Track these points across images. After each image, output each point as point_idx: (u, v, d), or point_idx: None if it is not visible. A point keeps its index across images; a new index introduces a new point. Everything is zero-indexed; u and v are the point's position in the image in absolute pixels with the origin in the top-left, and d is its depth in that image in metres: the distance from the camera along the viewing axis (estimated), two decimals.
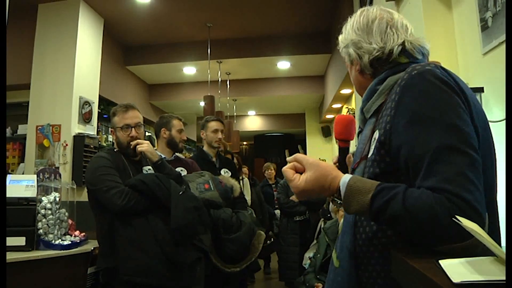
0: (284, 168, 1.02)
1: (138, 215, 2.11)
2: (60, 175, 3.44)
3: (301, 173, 0.98)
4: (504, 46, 1.90)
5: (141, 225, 2.10)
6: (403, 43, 1.05)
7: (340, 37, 1.17)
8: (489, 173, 0.91)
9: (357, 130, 1.21)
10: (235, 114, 10.10)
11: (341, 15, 5.43)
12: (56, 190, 2.86)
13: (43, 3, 5.28)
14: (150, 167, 2.37)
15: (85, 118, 5.27)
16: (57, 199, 2.75)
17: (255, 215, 4.34)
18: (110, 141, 6.35)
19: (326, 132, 9.67)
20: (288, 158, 1.03)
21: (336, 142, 1.25)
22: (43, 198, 2.68)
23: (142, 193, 2.12)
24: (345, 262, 1.03)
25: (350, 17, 1.17)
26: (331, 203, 4.09)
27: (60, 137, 4.95)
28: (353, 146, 1.23)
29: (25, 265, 2.38)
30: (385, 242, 0.94)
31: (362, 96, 1.17)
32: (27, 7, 5.17)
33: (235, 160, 4.64)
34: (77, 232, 2.82)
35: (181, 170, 2.76)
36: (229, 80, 8.10)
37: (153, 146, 2.53)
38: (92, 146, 5.16)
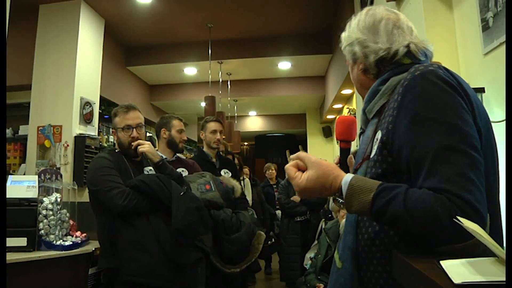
0: (287, 166, 1.02)
1: (140, 216, 2.12)
2: (61, 176, 3.44)
3: (303, 172, 0.98)
4: (505, 46, 1.89)
5: (142, 226, 2.10)
6: (408, 45, 1.05)
7: (343, 35, 1.16)
8: (491, 174, 0.91)
9: (358, 131, 1.21)
10: (236, 114, 10.10)
11: (342, 16, 5.43)
12: (57, 190, 2.87)
13: (44, 3, 5.28)
14: (151, 167, 2.37)
15: (86, 119, 5.27)
16: (58, 199, 2.75)
17: (256, 215, 4.34)
18: (111, 142, 6.35)
19: (327, 132, 9.66)
20: (291, 156, 1.03)
21: (337, 143, 1.25)
22: (44, 199, 2.69)
23: (144, 194, 2.12)
24: (347, 263, 1.03)
25: (354, 15, 1.17)
26: (331, 203, 4.09)
27: (61, 137, 4.95)
28: (354, 147, 1.23)
29: (27, 266, 2.39)
30: (388, 242, 0.94)
31: (362, 95, 1.17)
32: (28, 8, 5.17)
33: (236, 161, 4.64)
34: (78, 233, 2.82)
35: (182, 170, 2.76)
36: (230, 81, 8.10)
37: (154, 146, 2.54)
38: (93, 147, 5.16)
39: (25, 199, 2.59)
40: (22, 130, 5.45)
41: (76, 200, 3.03)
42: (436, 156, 0.83)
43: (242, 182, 4.36)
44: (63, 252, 2.58)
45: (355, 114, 5.88)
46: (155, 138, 3.00)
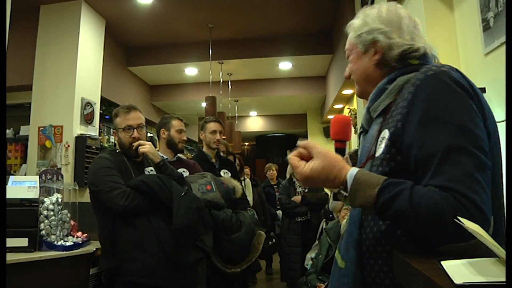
0: (290, 156, 1.01)
1: (140, 216, 2.12)
2: (62, 176, 3.44)
3: (306, 162, 0.98)
4: (505, 46, 1.89)
5: (143, 226, 2.10)
6: (425, 46, 1.07)
7: (357, 22, 1.14)
8: (497, 177, 0.91)
9: (358, 130, 1.20)
10: (236, 114, 10.10)
11: (342, 16, 5.43)
12: (58, 191, 2.87)
13: (45, 4, 5.29)
14: (152, 168, 2.37)
15: (87, 119, 5.27)
16: (59, 200, 2.75)
17: (257, 215, 4.34)
18: (112, 142, 6.35)
19: (327, 132, 9.66)
20: (299, 143, 1.02)
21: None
22: (45, 199, 2.69)
23: (144, 194, 2.13)
24: (351, 263, 1.02)
25: (367, 7, 1.16)
26: (331, 204, 4.10)
27: (62, 138, 4.96)
28: (353, 146, 1.23)
29: (28, 266, 2.39)
30: (395, 242, 0.94)
31: (360, 89, 1.17)
32: (28, 8, 5.18)
33: (237, 161, 4.65)
34: (79, 233, 2.82)
35: (183, 171, 2.76)
36: (231, 81, 8.10)
37: (155, 147, 2.54)
38: (94, 147, 5.16)
39: (26, 200, 2.59)
40: (23, 131, 5.46)
41: (77, 200, 3.03)
42: (444, 155, 0.84)
43: (243, 182, 4.36)
44: (64, 252, 2.58)
45: (355, 114, 5.88)
46: (156, 138, 3.00)
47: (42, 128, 4.99)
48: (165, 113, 7.80)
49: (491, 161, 0.86)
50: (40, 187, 2.69)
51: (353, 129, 5.58)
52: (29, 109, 5.16)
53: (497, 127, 0.96)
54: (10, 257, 2.27)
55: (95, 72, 5.63)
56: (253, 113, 11.49)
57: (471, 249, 0.76)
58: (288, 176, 4.88)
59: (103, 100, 5.99)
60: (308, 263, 4.04)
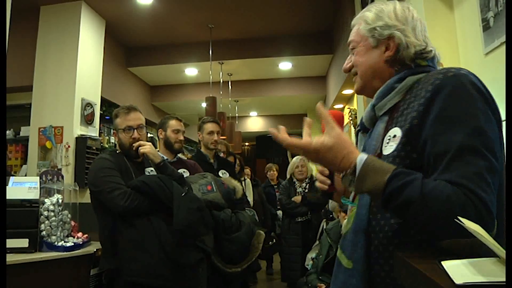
0: (305, 126, 0.99)
1: (141, 217, 2.12)
2: (62, 177, 3.44)
3: None
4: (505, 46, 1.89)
5: (143, 227, 2.10)
6: (433, 49, 1.09)
7: (371, 15, 1.12)
8: (501, 181, 0.92)
9: (356, 128, 1.20)
10: (237, 115, 10.10)
11: (342, 16, 5.43)
12: (58, 192, 2.87)
13: (45, 4, 5.29)
14: (152, 168, 2.37)
15: (87, 120, 5.27)
16: (60, 200, 2.75)
17: (257, 216, 4.34)
18: (112, 143, 6.35)
19: None
20: (320, 107, 0.98)
21: None
22: (45, 200, 2.69)
23: (145, 195, 2.13)
24: (359, 263, 1.00)
25: (379, 3, 1.16)
26: (331, 204, 4.10)
27: (63, 138, 4.96)
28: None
29: (28, 267, 2.39)
30: (408, 241, 0.93)
31: (365, 84, 1.15)
32: (29, 9, 5.18)
33: (237, 161, 4.65)
34: (79, 234, 2.82)
35: (184, 171, 2.76)
36: (231, 81, 8.10)
37: (155, 147, 2.54)
38: (94, 148, 5.16)
39: (26, 200, 2.59)
40: (23, 131, 5.46)
41: (77, 201, 3.03)
42: (457, 153, 0.85)
43: (243, 182, 4.36)
44: (65, 253, 2.58)
45: (355, 114, 5.87)
46: (156, 139, 3.00)
47: (42, 129, 4.99)
48: (165, 114, 7.81)
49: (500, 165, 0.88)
50: (40, 188, 2.69)
51: (353, 129, 5.57)
52: (29, 110, 5.16)
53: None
54: (11, 258, 2.27)
55: (95, 72, 5.63)
56: (253, 113, 11.49)
57: (476, 244, 0.76)
58: (288, 176, 4.88)
59: (103, 101, 6.00)
60: (308, 263, 4.04)
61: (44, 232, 2.60)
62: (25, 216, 2.55)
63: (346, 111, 7.27)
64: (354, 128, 5.42)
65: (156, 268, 2.05)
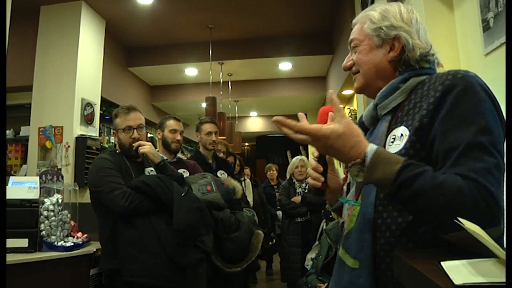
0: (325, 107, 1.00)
1: (141, 217, 2.12)
2: (62, 177, 3.44)
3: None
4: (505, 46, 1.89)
5: (144, 226, 2.10)
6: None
7: (376, 14, 1.12)
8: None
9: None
10: (236, 115, 10.10)
11: (342, 16, 5.43)
12: (58, 191, 2.88)
13: (45, 4, 5.29)
14: (152, 168, 2.38)
15: (87, 120, 5.27)
16: (60, 200, 2.76)
17: (257, 216, 4.34)
18: (112, 143, 6.35)
19: None
20: (329, 94, 0.96)
21: None
22: (45, 200, 2.69)
23: (145, 195, 2.13)
24: (367, 263, 0.99)
25: (382, 3, 1.17)
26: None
27: (62, 138, 4.96)
28: None
29: (28, 267, 2.39)
30: (416, 240, 0.94)
31: (366, 82, 1.15)
32: (29, 9, 5.18)
33: (237, 162, 4.65)
34: (79, 234, 2.82)
35: (183, 171, 2.76)
36: (231, 81, 8.10)
37: (155, 147, 2.54)
38: (94, 148, 5.16)
39: (26, 200, 2.59)
40: (23, 131, 5.46)
41: (77, 201, 3.03)
42: (466, 149, 0.87)
43: (243, 183, 4.35)
44: (65, 253, 2.58)
45: (355, 114, 5.88)
46: (156, 139, 3.00)
47: (42, 129, 4.99)
48: (165, 114, 7.80)
49: None
50: (40, 188, 2.70)
51: None
52: (29, 110, 5.16)
53: None
54: (10, 258, 2.27)
55: (96, 72, 5.63)
56: (253, 113, 11.49)
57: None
58: (288, 177, 4.88)
59: (103, 101, 5.99)
60: (308, 263, 4.04)
61: (43, 232, 2.60)
62: (24, 216, 2.55)
63: (346, 111, 7.27)
64: None
65: (156, 268, 2.05)
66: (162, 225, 2.12)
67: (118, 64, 7.02)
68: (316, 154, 1.12)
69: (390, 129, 1.05)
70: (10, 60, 3.30)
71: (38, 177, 2.85)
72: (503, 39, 1.91)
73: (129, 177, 2.23)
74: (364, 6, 4.05)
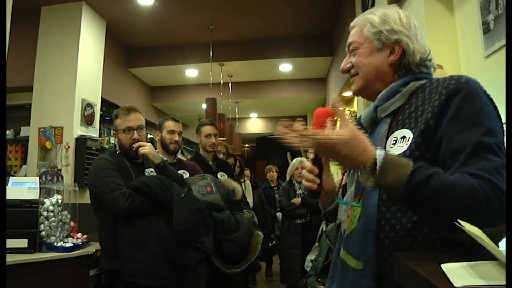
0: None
1: (141, 217, 2.12)
2: (62, 178, 3.44)
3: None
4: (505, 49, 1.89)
5: (144, 227, 2.10)
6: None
7: (377, 18, 1.14)
8: None
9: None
10: (237, 116, 10.10)
11: (343, 18, 5.43)
12: (58, 192, 2.87)
13: (46, 5, 5.30)
14: (152, 169, 2.38)
15: (87, 120, 5.27)
16: (60, 201, 2.75)
17: (257, 217, 4.34)
18: (112, 144, 6.36)
19: None
20: (334, 99, 0.97)
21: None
22: (45, 200, 2.69)
23: (145, 195, 2.13)
24: (371, 263, 0.99)
25: (381, 7, 1.18)
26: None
27: (63, 139, 4.96)
28: None
29: (27, 267, 2.39)
30: (422, 239, 0.95)
31: (365, 84, 1.16)
32: (30, 9, 5.19)
33: (237, 163, 4.64)
34: (79, 234, 2.82)
35: (184, 172, 2.76)
36: (231, 83, 8.10)
37: (155, 148, 2.54)
38: (94, 148, 5.16)
39: (26, 201, 2.59)
40: (23, 132, 5.46)
41: (77, 201, 3.03)
42: (474, 150, 0.89)
43: (243, 184, 4.35)
44: (64, 253, 2.58)
45: (356, 116, 5.87)
46: (156, 140, 3.00)
47: (42, 129, 4.99)
48: (166, 115, 7.81)
49: None
50: (40, 188, 2.70)
51: None
52: (29, 110, 5.16)
53: None
54: (10, 258, 2.27)
55: (96, 73, 5.63)
56: (253, 114, 11.50)
57: (496, 233, 0.79)
58: (288, 178, 4.88)
59: (103, 102, 6.00)
60: (308, 265, 4.04)
61: (43, 233, 2.60)
62: (24, 217, 2.55)
63: (346, 113, 7.26)
64: None
65: (156, 268, 2.05)
66: (162, 225, 2.12)
67: (119, 65, 7.03)
68: (312, 156, 1.13)
69: (390, 131, 1.06)
70: (10, 60, 3.30)
71: (38, 178, 2.84)
72: (503, 41, 1.91)
73: (129, 177, 2.23)
74: (364, 7, 4.06)
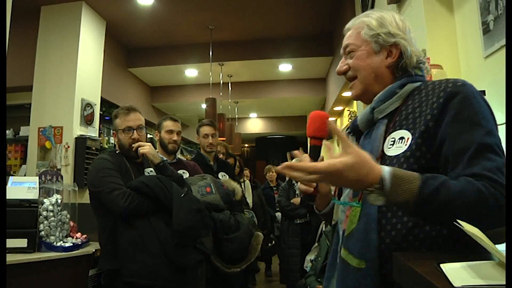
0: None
1: (141, 217, 2.12)
2: (62, 177, 3.45)
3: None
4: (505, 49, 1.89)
5: (143, 227, 2.10)
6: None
7: (373, 21, 1.15)
8: None
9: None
10: (236, 116, 10.11)
11: (342, 18, 5.43)
12: (58, 192, 2.87)
13: (46, 5, 5.30)
14: (151, 169, 2.37)
15: (87, 120, 5.27)
16: (59, 201, 2.75)
17: (256, 217, 4.34)
18: (112, 143, 6.36)
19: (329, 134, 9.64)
20: (331, 125, 0.97)
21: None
22: (45, 200, 2.69)
23: (144, 195, 2.13)
24: (374, 262, 0.99)
25: (376, 10, 1.19)
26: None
27: (62, 139, 4.96)
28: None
29: (27, 267, 2.39)
30: (423, 237, 0.96)
31: (364, 86, 1.16)
32: (29, 9, 5.19)
33: (237, 163, 4.65)
34: (78, 234, 2.82)
35: (183, 172, 2.76)
36: (231, 83, 8.10)
37: (155, 148, 2.54)
38: (94, 148, 5.16)
39: (25, 200, 2.59)
40: (23, 131, 5.46)
41: (76, 201, 3.03)
42: (477, 150, 0.91)
43: (242, 184, 4.35)
44: (64, 253, 2.58)
45: (356, 116, 5.87)
46: (156, 139, 3.00)
47: (42, 129, 4.99)
48: (165, 115, 7.80)
49: None
50: (39, 188, 2.70)
51: None
52: (29, 110, 5.16)
53: None
54: (9, 258, 2.27)
55: (96, 73, 5.63)
56: (253, 114, 11.50)
57: (497, 236, 0.79)
58: (287, 178, 4.87)
59: (103, 101, 6.00)
60: (307, 265, 4.04)
61: (43, 232, 2.60)
62: (24, 216, 2.55)
63: (346, 113, 7.28)
64: None
65: (155, 268, 2.05)
66: (161, 225, 2.12)
67: (118, 65, 7.03)
68: (307, 159, 1.12)
69: (387, 132, 1.07)
70: (10, 60, 3.30)
71: (37, 177, 2.84)
72: (503, 41, 1.92)
73: (129, 177, 2.23)
74: (364, 7, 4.06)
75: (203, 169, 3.07)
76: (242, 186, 4.00)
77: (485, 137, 0.93)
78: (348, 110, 7.07)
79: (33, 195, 2.62)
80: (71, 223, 2.85)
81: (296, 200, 4.59)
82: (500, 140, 0.95)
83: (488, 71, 2.11)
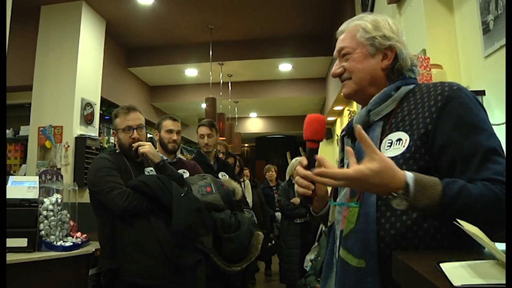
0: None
1: (140, 217, 2.11)
2: (61, 177, 3.45)
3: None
4: (505, 49, 1.90)
5: (143, 227, 2.10)
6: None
7: (369, 24, 1.16)
8: None
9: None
10: (236, 116, 10.10)
11: (342, 18, 5.43)
12: (58, 191, 2.87)
13: (46, 4, 5.29)
14: (151, 168, 2.37)
15: (87, 120, 5.27)
16: (59, 200, 2.75)
17: (256, 217, 4.34)
18: (112, 143, 6.36)
19: (327, 134, 9.65)
20: (357, 130, 0.94)
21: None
22: (45, 200, 2.69)
23: (144, 195, 2.12)
24: (374, 261, 1.00)
25: (370, 14, 1.20)
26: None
27: (62, 138, 4.96)
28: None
29: (27, 267, 2.39)
30: (422, 235, 0.97)
31: (359, 88, 1.18)
32: (29, 9, 5.19)
33: (237, 163, 4.65)
34: (78, 234, 2.82)
35: (183, 172, 2.76)
36: (231, 82, 8.10)
37: (155, 147, 2.54)
38: (93, 148, 5.16)
39: (25, 200, 2.59)
40: (23, 131, 5.46)
41: (76, 201, 3.03)
42: (485, 155, 0.94)
43: (242, 184, 4.35)
44: (64, 253, 2.58)
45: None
46: (156, 139, 3.00)
47: (42, 129, 4.99)
48: (165, 114, 7.80)
49: None
50: (39, 188, 2.70)
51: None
52: (29, 109, 5.16)
53: None
54: (10, 257, 2.27)
55: (95, 72, 5.63)
56: (253, 114, 11.50)
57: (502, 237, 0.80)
58: (287, 178, 4.87)
59: (103, 101, 6.00)
60: (307, 264, 4.04)
61: (43, 232, 2.60)
62: (24, 216, 2.55)
63: (346, 113, 7.28)
64: None
65: (155, 268, 2.05)
66: (161, 225, 2.12)
67: (118, 64, 7.03)
68: (305, 162, 1.11)
69: (384, 134, 1.09)
70: (10, 60, 3.29)
71: (37, 177, 2.85)
72: (503, 41, 1.92)
73: (129, 177, 2.22)
74: (364, 7, 4.06)
75: (204, 169, 3.07)
76: (242, 186, 4.00)
77: (490, 140, 0.96)
78: (348, 109, 7.07)
79: (33, 194, 2.63)
80: (71, 223, 2.85)
81: (296, 200, 4.59)
82: (498, 139, 0.98)
83: (488, 71, 2.11)
